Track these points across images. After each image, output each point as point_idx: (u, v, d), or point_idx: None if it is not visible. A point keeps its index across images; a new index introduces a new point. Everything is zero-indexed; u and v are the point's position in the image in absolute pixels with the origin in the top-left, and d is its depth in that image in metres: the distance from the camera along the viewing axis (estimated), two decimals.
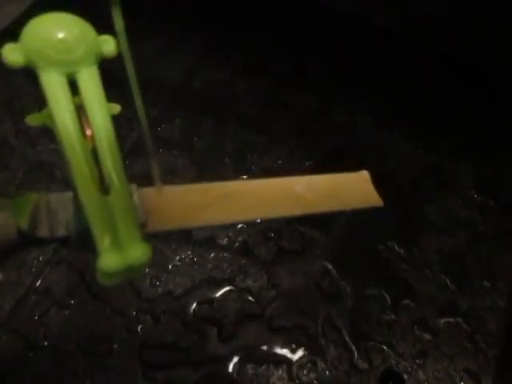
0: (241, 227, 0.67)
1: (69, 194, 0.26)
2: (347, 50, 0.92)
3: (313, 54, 0.91)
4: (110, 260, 0.22)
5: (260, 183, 0.34)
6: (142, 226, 0.27)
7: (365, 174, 0.38)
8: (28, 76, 0.80)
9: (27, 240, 0.25)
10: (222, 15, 0.95)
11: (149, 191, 0.29)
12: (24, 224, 0.24)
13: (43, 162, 0.71)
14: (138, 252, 0.23)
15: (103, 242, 0.22)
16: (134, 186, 0.28)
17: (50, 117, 0.23)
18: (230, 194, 0.32)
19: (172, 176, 0.72)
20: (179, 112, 0.80)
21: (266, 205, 0.32)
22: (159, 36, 0.90)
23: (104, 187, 0.23)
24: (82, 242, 0.24)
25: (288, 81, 0.86)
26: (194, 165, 0.74)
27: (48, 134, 0.73)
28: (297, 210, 0.34)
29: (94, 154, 0.23)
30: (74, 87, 0.24)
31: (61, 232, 0.25)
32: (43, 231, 0.25)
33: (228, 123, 0.79)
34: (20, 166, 0.70)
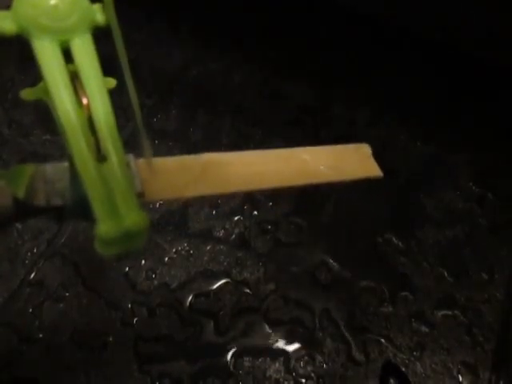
0: (237, 219, 0.67)
1: (65, 164, 0.26)
2: (346, 42, 0.91)
3: (311, 46, 0.90)
4: (107, 227, 0.22)
5: (261, 153, 0.33)
6: (139, 195, 0.27)
7: (365, 147, 0.37)
8: (20, 66, 0.79)
9: (24, 209, 0.24)
10: (220, 5, 0.93)
11: (146, 162, 0.29)
12: (20, 193, 0.24)
13: (36, 152, 0.69)
14: (135, 219, 0.23)
15: (100, 209, 0.22)
16: (130, 156, 0.28)
17: (45, 90, 0.22)
18: (229, 163, 0.31)
19: None
20: (175, 103, 0.79)
21: (268, 174, 0.32)
22: (156, 26, 0.89)
23: (100, 156, 0.23)
24: (79, 211, 0.24)
25: (286, 72, 0.85)
26: None
27: (41, 124, 0.71)
28: (301, 180, 0.33)
29: (90, 123, 0.23)
30: (69, 56, 0.23)
31: (57, 201, 0.25)
32: (40, 200, 0.25)
33: (224, 114, 0.78)
34: (12, 157, 0.69)
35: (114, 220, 0.22)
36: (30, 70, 0.78)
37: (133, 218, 0.23)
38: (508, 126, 0.81)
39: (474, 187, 0.73)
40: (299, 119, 0.79)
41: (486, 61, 0.87)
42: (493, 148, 0.78)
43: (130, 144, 0.75)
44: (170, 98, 0.79)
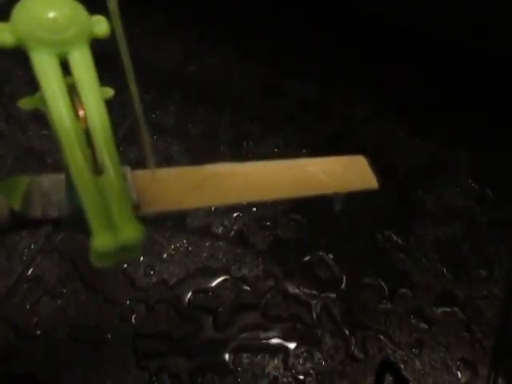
0: (236, 216, 0.66)
1: (62, 176, 0.26)
2: (346, 38, 0.90)
3: (311, 43, 0.89)
4: (102, 240, 0.22)
5: (258, 165, 0.33)
6: (135, 207, 0.27)
7: (361, 158, 0.37)
8: (17, 61, 0.78)
9: (19, 221, 0.25)
10: (219, 2, 0.93)
11: (142, 173, 0.29)
12: (16, 205, 0.24)
13: (33, 148, 0.69)
14: (130, 232, 0.23)
15: (96, 222, 0.22)
16: (127, 168, 0.28)
17: (42, 100, 0.22)
18: (226, 175, 0.31)
19: (166, 164, 0.70)
20: (174, 98, 0.78)
21: (266, 186, 0.32)
22: (155, 21, 0.88)
23: (97, 168, 0.23)
24: (75, 223, 0.24)
25: (286, 68, 0.84)
26: (188, 152, 0.72)
27: (38, 119, 0.71)
28: (298, 192, 0.33)
29: (87, 135, 0.23)
30: (66, 68, 0.23)
31: (53, 213, 0.26)
32: (36, 212, 0.25)
33: (223, 110, 0.78)
34: (10, 152, 0.69)
35: (110, 233, 0.22)
36: (28, 65, 0.77)
37: (128, 231, 0.23)
38: (508, 124, 0.81)
39: (473, 184, 0.73)
40: (299, 116, 0.79)
41: (486, 59, 0.86)
42: (492, 145, 0.78)
43: (128, 140, 0.75)
44: (168, 93, 0.79)
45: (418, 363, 0.57)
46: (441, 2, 0.82)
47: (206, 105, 0.78)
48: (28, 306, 0.57)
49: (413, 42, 0.89)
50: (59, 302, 0.58)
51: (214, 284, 0.61)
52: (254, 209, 0.67)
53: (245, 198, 0.32)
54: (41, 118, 0.71)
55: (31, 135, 0.70)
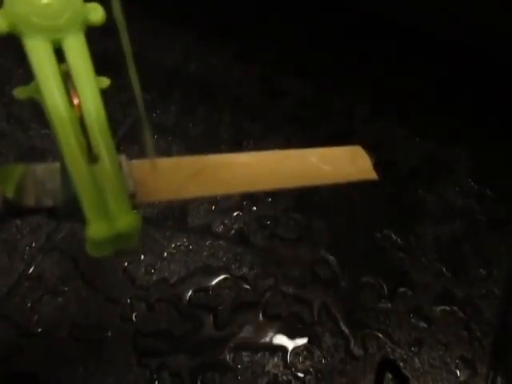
0: (236, 215, 0.66)
1: (56, 165, 0.26)
2: (346, 38, 0.90)
3: (311, 42, 0.89)
4: (97, 228, 0.22)
5: (258, 155, 0.33)
6: (132, 196, 0.27)
7: (359, 149, 0.37)
8: (18, 59, 0.78)
9: (13, 209, 0.24)
10: (220, 1, 0.93)
11: (139, 163, 0.28)
12: (10, 193, 0.24)
13: (35, 147, 0.69)
14: (125, 220, 0.23)
15: (91, 210, 0.22)
16: (123, 157, 0.28)
17: (37, 89, 0.22)
18: (224, 165, 0.31)
19: None
20: (174, 98, 0.78)
21: (264, 176, 0.32)
22: (154, 20, 0.89)
23: (92, 156, 0.23)
24: (70, 212, 0.24)
25: (286, 67, 0.85)
26: (188, 152, 0.72)
27: (40, 118, 0.71)
28: (296, 182, 0.33)
29: (82, 124, 0.23)
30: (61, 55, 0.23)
31: (47, 201, 0.25)
32: (29, 200, 0.25)
33: (224, 110, 0.78)
34: (11, 152, 0.69)
35: (105, 221, 0.22)
36: (29, 65, 0.77)
37: (124, 220, 0.23)
38: (508, 123, 0.81)
39: (473, 184, 0.73)
40: (299, 115, 0.79)
41: (486, 59, 0.86)
42: (492, 145, 0.78)
43: (129, 139, 0.75)
44: (169, 93, 0.79)
45: (417, 362, 0.57)
46: (441, 2, 0.82)
47: (206, 104, 0.78)
48: (29, 305, 0.57)
49: (413, 42, 0.89)
50: (60, 300, 0.58)
51: (214, 283, 0.61)
52: (255, 208, 0.67)
53: (243, 187, 0.31)
54: (42, 118, 0.71)
55: (32, 134, 0.71)
